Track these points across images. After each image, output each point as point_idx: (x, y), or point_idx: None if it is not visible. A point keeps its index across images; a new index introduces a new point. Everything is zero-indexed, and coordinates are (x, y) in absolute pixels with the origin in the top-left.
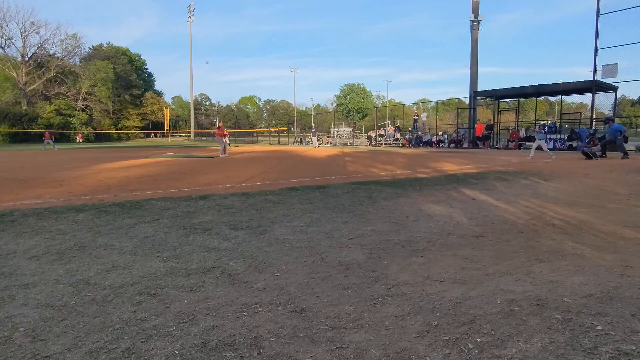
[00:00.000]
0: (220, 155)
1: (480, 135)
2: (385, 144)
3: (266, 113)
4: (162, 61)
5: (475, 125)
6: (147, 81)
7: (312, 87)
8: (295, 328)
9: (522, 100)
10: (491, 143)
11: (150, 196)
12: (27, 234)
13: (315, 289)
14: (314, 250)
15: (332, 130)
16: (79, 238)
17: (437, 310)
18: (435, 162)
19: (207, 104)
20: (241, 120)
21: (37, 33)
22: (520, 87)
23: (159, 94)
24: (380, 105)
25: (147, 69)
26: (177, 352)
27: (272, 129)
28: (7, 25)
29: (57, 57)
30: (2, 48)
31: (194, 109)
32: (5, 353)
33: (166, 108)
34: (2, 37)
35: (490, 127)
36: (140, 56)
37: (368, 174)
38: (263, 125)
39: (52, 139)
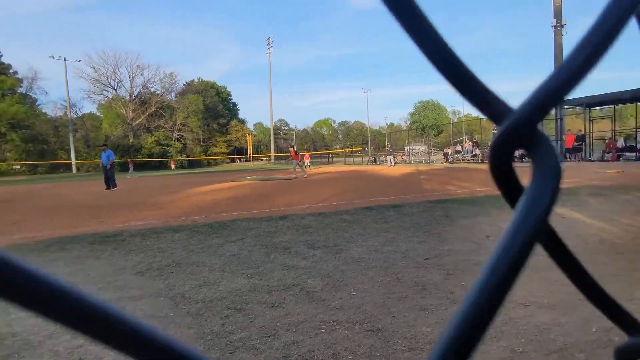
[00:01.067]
0: (294, 177)
1: (571, 147)
2: (462, 160)
3: (340, 134)
4: (245, 91)
5: (565, 136)
6: (232, 110)
7: (385, 106)
8: (372, 347)
9: (618, 106)
10: (583, 155)
11: (236, 217)
12: (134, 252)
13: (391, 309)
14: (389, 270)
15: (406, 148)
16: (175, 256)
17: (521, 336)
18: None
19: (286, 128)
20: (317, 142)
21: (141, 74)
22: (616, 92)
23: (242, 122)
24: (455, 120)
25: (231, 99)
26: None
27: (347, 150)
28: (118, 70)
29: (157, 94)
30: (115, 89)
31: (274, 134)
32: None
33: (249, 134)
34: (114, 80)
35: (581, 138)
36: (225, 88)
37: (445, 192)
38: (338, 147)
39: (132, 167)
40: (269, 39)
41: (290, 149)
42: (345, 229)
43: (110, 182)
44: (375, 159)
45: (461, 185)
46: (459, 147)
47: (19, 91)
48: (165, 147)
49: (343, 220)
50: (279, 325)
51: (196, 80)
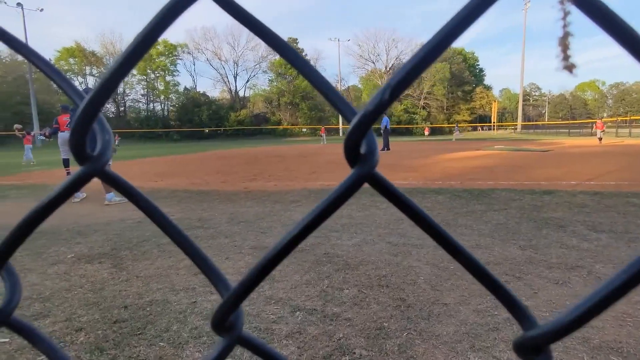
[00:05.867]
0: None
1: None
2: None
3: (611, 99)
4: (493, 55)
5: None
6: (478, 77)
7: None
8: None
9: None
10: None
11: (492, 186)
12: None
13: None
14: None
15: None
16: (443, 216)
17: None
18: None
19: (537, 94)
20: (576, 109)
21: (395, 47)
22: None
23: (487, 88)
24: None
25: (478, 65)
26: None
27: (619, 119)
28: (377, 45)
29: None
30: (373, 63)
31: (522, 100)
32: (416, 292)
33: (494, 101)
34: (373, 55)
35: None
36: (473, 53)
37: None
38: (605, 114)
39: (325, 134)
40: None
41: None
42: (637, 214)
43: (385, 145)
44: None
45: None
46: None
47: None
48: (412, 115)
49: (631, 203)
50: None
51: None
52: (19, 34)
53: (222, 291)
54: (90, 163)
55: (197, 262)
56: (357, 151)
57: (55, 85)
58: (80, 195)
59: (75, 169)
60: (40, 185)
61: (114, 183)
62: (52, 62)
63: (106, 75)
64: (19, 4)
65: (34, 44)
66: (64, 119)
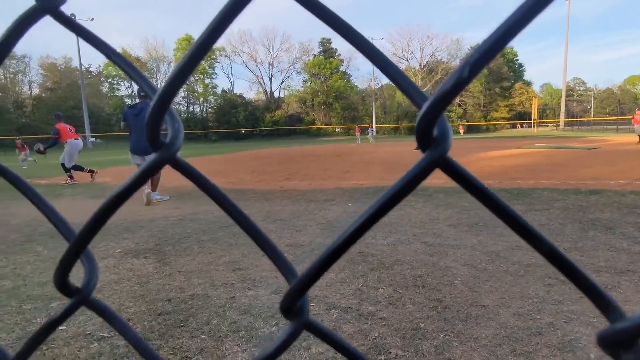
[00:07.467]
0: None
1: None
2: None
3: None
4: (533, 49)
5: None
6: (517, 72)
7: None
8: None
9: None
10: None
11: (533, 185)
12: (442, 207)
13: None
14: None
15: None
16: (480, 216)
17: None
18: None
19: (581, 89)
20: (625, 104)
21: (430, 44)
22: None
23: (527, 84)
24: None
25: (517, 60)
26: None
27: None
28: (411, 42)
29: (443, 62)
30: (407, 61)
31: (565, 95)
32: (452, 293)
33: (535, 97)
34: (407, 52)
35: None
36: (512, 48)
37: None
38: None
39: (360, 133)
40: None
41: None
42: None
43: None
44: None
45: None
46: None
47: (341, 69)
48: (447, 113)
49: None
50: None
51: (481, 43)
52: (73, 43)
53: (289, 277)
54: (163, 150)
55: (265, 249)
56: (430, 134)
57: (104, 90)
58: (164, 197)
59: (79, 173)
60: (91, 184)
61: (186, 171)
62: (102, 68)
63: (176, 69)
64: (72, 15)
65: (87, 52)
66: (63, 126)
